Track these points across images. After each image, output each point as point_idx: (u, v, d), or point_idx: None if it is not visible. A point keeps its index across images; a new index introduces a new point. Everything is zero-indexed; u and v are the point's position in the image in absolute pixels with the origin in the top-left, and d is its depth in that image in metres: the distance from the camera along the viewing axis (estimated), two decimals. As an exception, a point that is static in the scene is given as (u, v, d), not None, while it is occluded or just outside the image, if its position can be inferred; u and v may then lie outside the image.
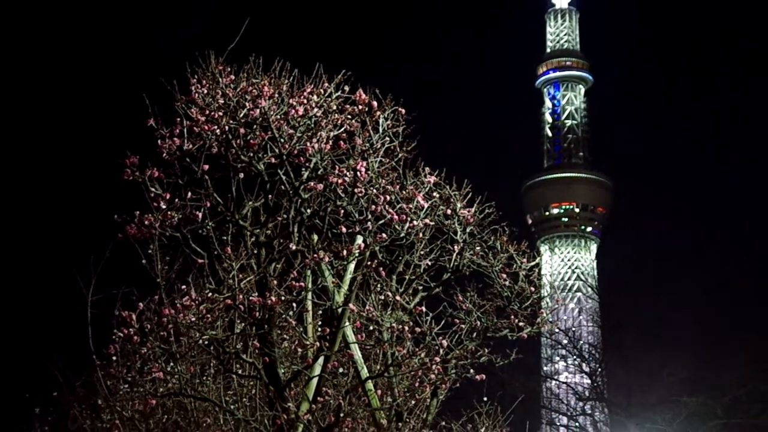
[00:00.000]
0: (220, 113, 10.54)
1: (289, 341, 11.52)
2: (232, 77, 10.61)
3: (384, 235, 10.91)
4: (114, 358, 11.25)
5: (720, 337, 37.64)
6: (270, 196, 10.75)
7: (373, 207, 10.75)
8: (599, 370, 38.95)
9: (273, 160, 10.66)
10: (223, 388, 11.48)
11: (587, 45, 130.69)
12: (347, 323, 11.06)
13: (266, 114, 10.52)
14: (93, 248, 10.69)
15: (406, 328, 11.32)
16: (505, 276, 11.78)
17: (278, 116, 10.57)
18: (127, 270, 10.86)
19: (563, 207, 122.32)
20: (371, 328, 11.51)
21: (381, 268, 11.26)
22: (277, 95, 10.61)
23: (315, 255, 10.64)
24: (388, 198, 10.81)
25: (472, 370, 11.73)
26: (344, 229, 10.81)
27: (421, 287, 11.83)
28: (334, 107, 10.78)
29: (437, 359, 11.31)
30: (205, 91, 10.57)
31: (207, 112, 10.53)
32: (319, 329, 11.06)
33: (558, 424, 41.33)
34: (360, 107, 10.86)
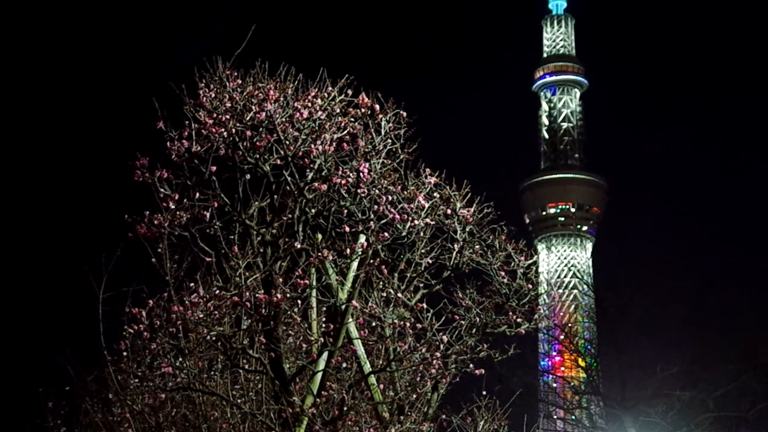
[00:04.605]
0: (228, 116, 10.75)
1: (294, 337, 11.70)
2: (239, 81, 10.81)
3: (386, 234, 11.12)
4: (125, 353, 11.43)
5: (711, 333, 37.92)
6: (275, 196, 10.93)
7: (376, 207, 10.95)
8: (595, 364, 39.15)
9: (278, 162, 10.85)
10: (230, 383, 11.63)
11: (582, 50, 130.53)
12: (350, 320, 11.27)
13: (272, 117, 10.71)
14: (104, 247, 10.80)
15: (408, 324, 11.45)
16: (503, 274, 12.02)
17: (283, 119, 10.76)
18: (137, 268, 11.00)
19: (560, 207, 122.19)
20: (374, 324, 11.70)
21: (383, 266, 11.45)
22: (282, 99, 10.81)
23: (319, 253, 10.83)
24: (389, 198, 11.01)
25: (471, 365, 11.93)
26: (347, 229, 11.00)
27: (422, 285, 12.07)
28: (338, 110, 10.97)
29: (438, 354, 11.51)
30: (213, 95, 10.78)
31: (215, 115, 10.73)
32: (323, 325, 11.23)
33: (555, 417, 41.50)
34: (363, 110, 11.05)
